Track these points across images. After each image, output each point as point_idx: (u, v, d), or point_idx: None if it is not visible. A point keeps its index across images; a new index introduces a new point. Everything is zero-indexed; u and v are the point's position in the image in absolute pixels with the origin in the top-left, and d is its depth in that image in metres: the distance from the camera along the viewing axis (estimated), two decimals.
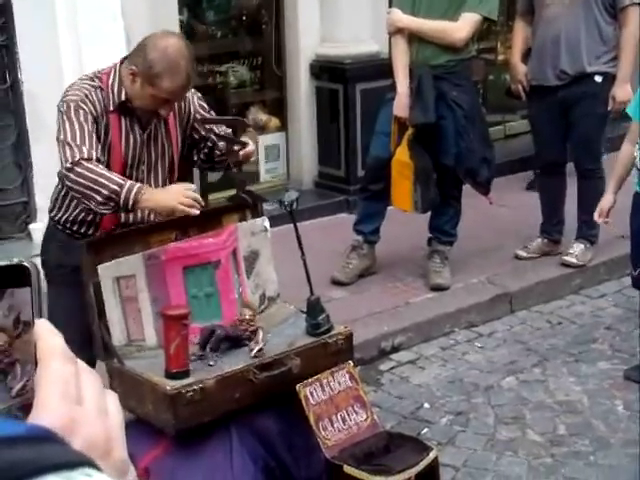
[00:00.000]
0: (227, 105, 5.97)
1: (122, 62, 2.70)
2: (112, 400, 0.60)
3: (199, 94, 2.92)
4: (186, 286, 2.66)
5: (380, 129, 4.52)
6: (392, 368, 4.00)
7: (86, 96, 2.63)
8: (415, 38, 4.33)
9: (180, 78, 2.58)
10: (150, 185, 2.75)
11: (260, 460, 2.52)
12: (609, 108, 4.57)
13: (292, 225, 2.75)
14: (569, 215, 4.87)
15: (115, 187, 2.53)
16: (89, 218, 2.79)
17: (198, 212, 2.61)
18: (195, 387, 2.43)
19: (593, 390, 3.73)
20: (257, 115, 6.00)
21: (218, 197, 5.13)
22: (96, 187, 2.53)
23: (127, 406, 2.65)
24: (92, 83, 2.67)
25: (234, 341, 2.62)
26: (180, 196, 2.59)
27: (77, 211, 2.79)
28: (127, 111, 2.69)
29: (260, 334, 2.62)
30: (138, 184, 2.59)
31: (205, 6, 5.83)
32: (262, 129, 5.93)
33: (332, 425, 2.59)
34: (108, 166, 2.66)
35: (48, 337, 0.59)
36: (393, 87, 4.40)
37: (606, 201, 3.67)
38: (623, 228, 4.55)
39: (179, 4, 5.20)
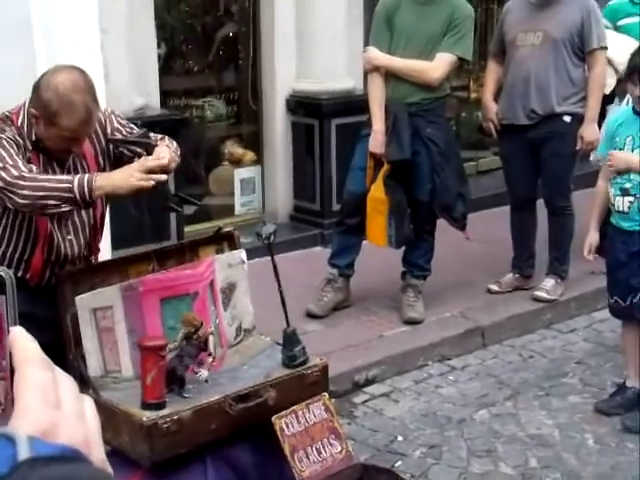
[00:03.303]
0: (203, 139, 6.02)
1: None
2: (89, 405, 0.62)
3: (117, 112, 2.84)
4: (163, 317, 2.67)
5: (356, 164, 4.58)
6: (366, 401, 4.03)
7: (3, 130, 2.56)
8: (391, 76, 4.42)
9: (78, 114, 2.49)
10: (75, 222, 2.71)
11: None
12: (577, 147, 4.67)
13: (269, 257, 2.78)
14: (540, 250, 4.95)
15: (66, 185, 2.47)
16: (16, 256, 2.68)
17: (154, 183, 2.50)
18: (171, 418, 2.44)
19: (564, 424, 3.78)
20: (233, 149, 6.06)
21: (195, 229, 5.16)
22: (48, 192, 2.46)
23: (103, 437, 2.64)
24: (5, 123, 2.58)
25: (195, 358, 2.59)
26: (134, 172, 2.51)
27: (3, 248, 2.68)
28: (42, 150, 2.62)
29: (211, 341, 2.58)
30: (87, 174, 2.54)
31: (182, 41, 5.90)
32: (238, 163, 5.98)
33: (307, 457, 2.60)
34: None
35: (24, 344, 0.60)
36: (369, 123, 4.48)
37: (592, 239, 3.78)
38: (594, 264, 4.64)
39: (157, 38, 5.26)
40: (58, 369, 0.61)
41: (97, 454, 0.59)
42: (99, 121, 2.69)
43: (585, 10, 4.54)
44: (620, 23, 5.54)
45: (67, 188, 2.46)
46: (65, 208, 2.50)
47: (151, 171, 2.52)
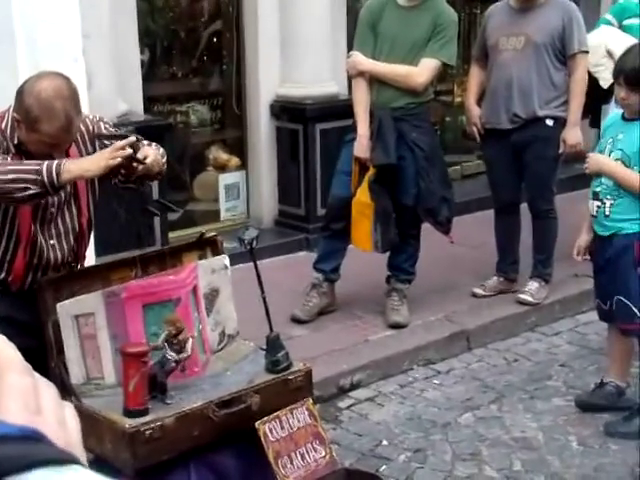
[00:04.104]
0: (187, 144, 6.02)
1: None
2: (70, 411, 0.62)
3: (105, 119, 2.85)
4: (146, 324, 2.67)
5: (341, 169, 4.59)
6: (351, 405, 4.03)
7: None
8: (375, 81, 4.43)
9: (58, 120, 2.50)
10: (58, 227, 2.71)
11: None
12: (560, 151, 4.70)
13: (252, 263, 2.78)
14: (524, 253, 4.97)
15: (34, 167, 2.46)
16: None
17: (120, 160, 2.52)
18: (154, 425, 2.43)
19: (548, 426, 3.79)
20: (217, 154, 6.06)
21: (179, 235, 5.15)
22: (16, 175, 2.45)
23: (85, 445, 2.64)
24: None
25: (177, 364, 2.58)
26: (106, 154, 2.53)
27: None
28: (25, 153, 2.62)
29: (189, 343, 2.56)
30: (55, 160, 2.52)
31: (166, 46, 5.90)
32: (222, 168, 5.98)
33: (291, 462, 2.60)
34: (15, 209, 2.62)
35: (3, 350, 0.60)
36: (354, 128, 4.49)
37: (582, 240, 3.77)
38: (578, 267, 4.67)
39: (140, 44, 5.25)
40: (38, 375, 0.61)
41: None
42: (86, 127, 2.71)
43: (566, 14, 4.57)
44: (626, 22, 5.63)
45: (35, 170, 2.45)
46: (33, 190, 2.46)
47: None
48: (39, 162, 2.49)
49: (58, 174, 2.46)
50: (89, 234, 2.84)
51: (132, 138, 2.59)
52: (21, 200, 2.53)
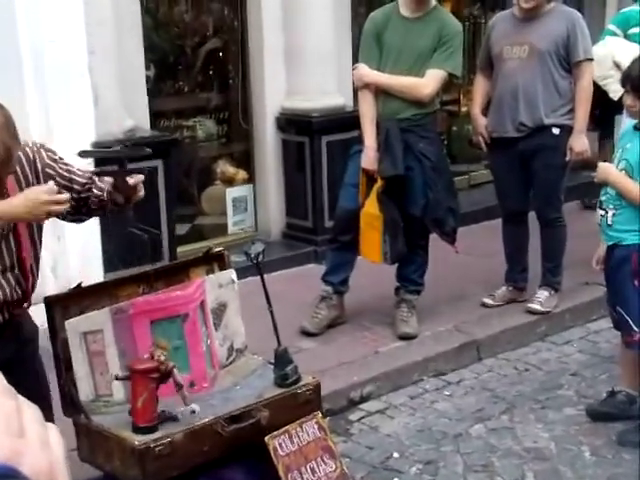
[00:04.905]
0: (195, 159, 6.03)
1: None
2: (53, 432, 0.62)
3: (46, 146, 2.58)
4: (154, 339, 2.67)
5: (348, 181, 4.59)
6: (361, 418, 4.01)
7: None
8: (381, 92, 4.43)
9: None
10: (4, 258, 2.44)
11: None
12: (567, 159, 4.68)
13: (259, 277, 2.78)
14: (533, 262, 4.96)
15: None
16: None
17: (66, 197, 2.36)
18: (163, 441, 2.43)
19: (560, 436, 3.76)
20: (225, 168, 6.07)
21: (187, 250, 5.15)
22: None
23: (95, 462, 2.64)
24: None
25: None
26: (42, 198, 2.30)
27: None
28: None
29: (175, 373, 2.50)
30: None
31: (172, 61, 5.92)
32: (230, 182, 5.99)
33: (301, 476, 2.59)
34: None
35: None
36: (360, 140, 4.49)
37: (602, 249, 3.74)
38: (588, 275, 4.66)
39: (146, 60, 5.28)
40: (22, 398, 0.61)
41: None
42: (27, 156, 2.47)
43: (570, 22, 4.57)
44: (631, 31, 5.64)
45: None
46: None
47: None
48: None
49: None
50: (36, 270, 2.55)
51: (140, 177, 2.47)
52: None
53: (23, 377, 2.48)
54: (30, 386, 2.50)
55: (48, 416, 2.41)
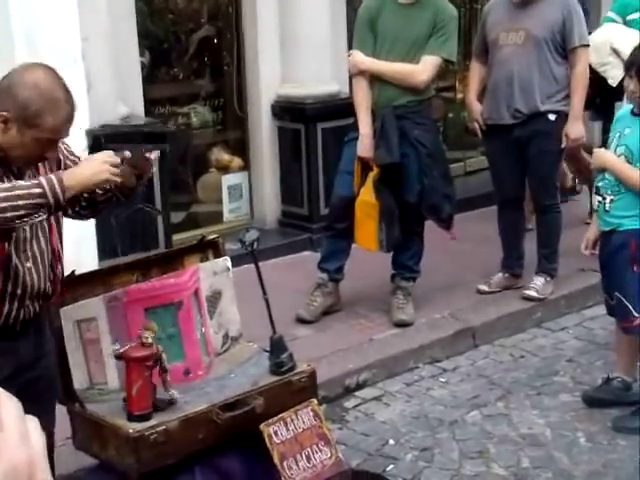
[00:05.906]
0: (189, 146, 6.01)
1: None
2: (33, 425, 0.62)
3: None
4: (144, 323, 2.65)
5: (344, 168, 4.57)
6: (357, 405, 4.01)
7: None
8: (376, 79, 4.41)
9: (64, 111, 2.28)
10: (33, 248, 2.40)
11: None
12: (563, 145, 4.67)
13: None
14: (529, 249, 4.95)
15: (37, 190, 2.21)
16: None
17: (120, 180, 2.38)
18: (158, 429, 2.42)
19: (556, 422, 3.77)
20: (220, 155, 6.05)
21: (183, 237, 5.13)
22: (17, 200, 2.19)
23: (90, 450, 2.64)
24: None
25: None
26: (106, 165, 2.34)
27: None
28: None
29: (163, 358, 2.49)
30: (51, 175, 2.28)
31: (166, 48, 5.89)
32: (225, 169, 5.98)
33: (297, 464, 2.59)
34: None
35: None
36: (355, 127, 4.47)
37: (590, 234, 3.74)
38: (583, 262, 4.66)
39: (140, 46, 5.25)
40: (1, 390, 0.60)
41: (41, 476, 0.58)
42: None
43: (566, 8, 4.54)
44: (629, 17, 5.62)
45: (38, 194, 2.21)
46: (36, 217, 2.25)
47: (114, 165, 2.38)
48: (35, 183, 2.24)
49: (64, 191, 2.24)
50: (62, 258, 2.54)
51: (157, 152, 2.49)
52: (16, 225, 2.27)
53: (45, 372, 2.51)
54: (50, 382, 2.52)
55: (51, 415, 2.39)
